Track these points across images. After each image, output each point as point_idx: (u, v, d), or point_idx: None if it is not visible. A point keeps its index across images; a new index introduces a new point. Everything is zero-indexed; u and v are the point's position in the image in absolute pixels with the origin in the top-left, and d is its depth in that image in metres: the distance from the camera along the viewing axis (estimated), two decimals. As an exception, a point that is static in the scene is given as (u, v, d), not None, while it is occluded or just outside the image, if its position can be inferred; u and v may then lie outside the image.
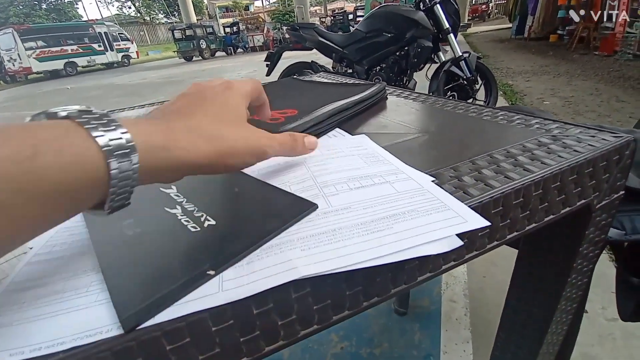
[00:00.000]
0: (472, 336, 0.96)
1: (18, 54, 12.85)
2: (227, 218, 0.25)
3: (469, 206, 0.24)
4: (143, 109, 0.76)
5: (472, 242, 0.26)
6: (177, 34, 14.35)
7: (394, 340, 0.98)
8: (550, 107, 2.93)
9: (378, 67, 2.58)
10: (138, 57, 17.10)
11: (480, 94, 2.48)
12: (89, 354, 0.16)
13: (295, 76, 0.88)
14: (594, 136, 0.34)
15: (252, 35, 15.59)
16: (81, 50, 14.30)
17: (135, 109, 0.77)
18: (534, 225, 0.30)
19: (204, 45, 14.51)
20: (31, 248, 0.26)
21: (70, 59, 13.95)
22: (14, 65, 13.07)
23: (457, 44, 2.36)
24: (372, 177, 0.28)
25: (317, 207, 0.24)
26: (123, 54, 15.85)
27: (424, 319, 1.04)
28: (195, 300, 0.18)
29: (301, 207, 0.24)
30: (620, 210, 0.36)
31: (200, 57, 14.52)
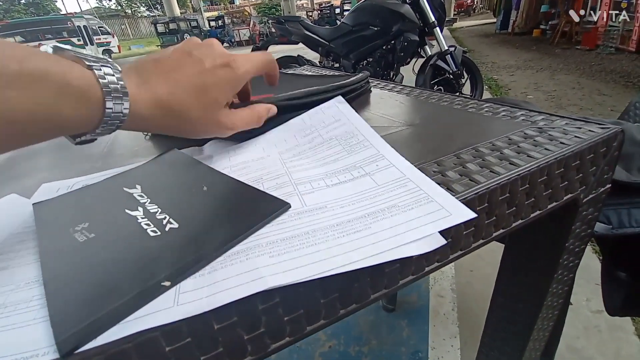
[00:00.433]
0: (459, 331, 0.97)
1: (-6, 49, 12.30)
2: (192, 220, 0.23)
3: (453, 202, 0.22)
4: None
5: (456, 241, 0.24)
6: (160, 28, 14.00)
7: (383, 337, 0.97)
8: (534, 102, 2.97)
9: (365, 62, 2.56)
10: (120, 52, 16.58)
11: (466, 89, 2.49)
12: (15, 385, 0.14)
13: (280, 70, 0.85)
14: (580, 128, 0.33)
15: (238, 29, 15.33)
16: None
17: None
18: (520, 221, 0.28)
19: (188, 40, 14.18)
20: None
21: (48, 54, 13.44)
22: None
23: (443, 37, 2.36)
24: (351, 170, 0.27)
25: (290, 207, 0.22)
26: (104, 48, 15.34)
27: (412, 315, 1.04)
28: (145, 316, 0.16)
29: (272, 207, 0.22)
30: (607, 204, 0.35)
31: (184, 52, 14.20)
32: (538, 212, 0.29)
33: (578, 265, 0.42)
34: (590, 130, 0.32)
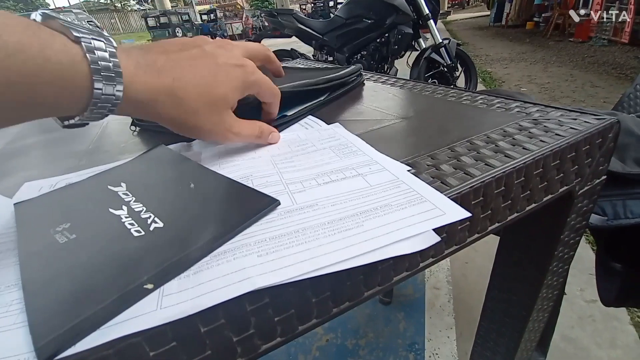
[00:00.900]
0: (455, 322, 0.97)
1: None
2: (177, 219, 0.22)
3: (447, 197, 0.22)
4: None
5: (451, 237, 0.24)
6: (151, 22, 13.75)
7: (379, 330, 0.98)
8: (528, 94, 2.98)
9: (359, 55, 2.54)
10: (110, 47, 16.29)
11: (460, 82, 2.49)
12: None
13: None
14: (575, 119, 0.33)
15: (231, 23, 15.12)
16: (48, 40, 13.49)
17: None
18: (515, 215, 0.28)
19: (179, 34, 13.98)
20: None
21: (37, 50, 13.16)
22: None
23: (437, 30, 2.34)
24: (344, 171, 0.26)
25: (279, 204, 0.22)
26: (94, 43, 15.06)
27: (408, 307, 1.05)
28: (127, 321, 0.15)
29: (261, 205, 0.21)
30: (602, 195, 0.35)
31: (176, 47, 14.00)
32: (534, 205, 0.29)
33: (573, 257, 0.42)
34: (585, 122, 0.31)
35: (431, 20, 2.33)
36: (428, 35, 2.43)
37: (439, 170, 0.26)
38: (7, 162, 0.40)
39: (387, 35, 2.41)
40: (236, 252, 0.18)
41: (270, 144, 0.32)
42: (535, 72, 3.74)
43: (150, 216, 0.22)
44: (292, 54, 2.53)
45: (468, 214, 0.20)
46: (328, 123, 0.37)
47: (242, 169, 0.28)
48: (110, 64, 0.20)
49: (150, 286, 0.16)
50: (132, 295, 0.16)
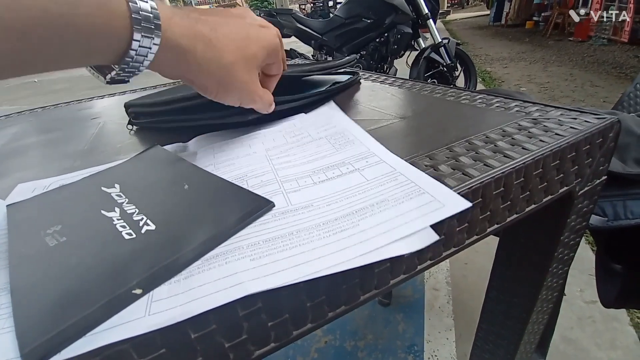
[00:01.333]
0: (454, 324, 0.97)
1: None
2: (169, 222, 0.21)
3: (445, 197, 0.21)
4: (112, 98, 0.70)
5: (449, 238, 0.23)
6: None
7: (378, 331, 0.97)
8: (527, 93, 2.97)
9: (358, 55, 2.54)
10: (110, 47, 16.30)
11: (460, 81, 2.48)
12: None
13: None
14: (575, 118, 0.32)
15: (230, 24, 15.10)
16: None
17: (105, 98, 0.71)
18: (515, 216, 0.28)
19: (180, 34, 13.95)
20: None
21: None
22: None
23: (436, 30, 2.34)
24: (340, 166, 0.25)
25: (274, 206, 0.21)
26: (94, 44, 15.07)
27: (407, 308, 1.04)
28: (114, 327, 0.15)
29: (255, 207, 0.21)
30: (601, 195, 0.34)
31: (176, 47, 13.99)
32: (533, 205, 0.29)
33: (573, 259, 0.42)
34: (586, 121, 0.31)
35: (430, 20, 2.33)
36: (427, 35, 2.43)
37: (437, 170, 0.25)
38: (2, 163, 0.39)
39: (386, 35, 2.41)
40: (228, 256, 0.18)
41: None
42: (534, 71, 3.74)
43: (142, 218, 0.22)
44: (291, 54, 2.52)
45: (469, 204, 0.20)
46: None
47: (237, 168, 0.28)
48: (151, 15, 0.20)
49: (139, 291, 0.16)
50: (121, 300, 0.16)
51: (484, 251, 1.16)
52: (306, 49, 2.73)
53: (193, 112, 0.37)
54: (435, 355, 0.88)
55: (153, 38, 0.20)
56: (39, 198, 0.28)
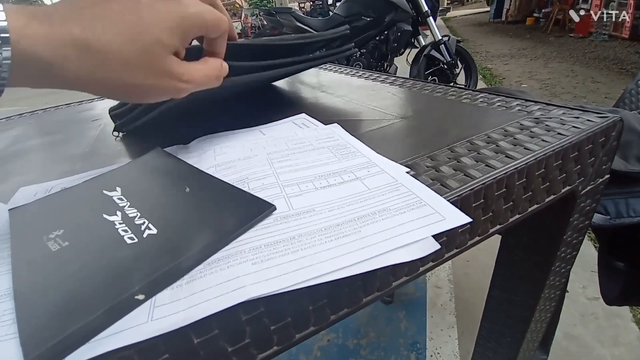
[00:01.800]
0: (457, 321, 0.97)
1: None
2: (171, 226, 0.21)
3: (447, 200, 0.21)
4: (102, 101, 0.70)
5: (451, 240, 0.23)
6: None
7: (381, 329, 0.97)
8: (528, 90, 2.96)
9: (358, 53, 2.53)
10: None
11: (461, 79, 2.47)
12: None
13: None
14: (578, 117, 0.32)
15: (230, 23, 15.06)
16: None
17: (106, 99, 0.71)
18: (517, 216, 0.27)
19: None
20: None
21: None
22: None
23: (436, 27, 2.33)
24: (341, 174, 0.25)
25: (275, 209, 0.21)
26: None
27: (409, 306, 1.04)
28: (117, 333, 0.15)
29: (256, 210, 0.21)
30: (604, 194, 0.34)
31: (176, 46, 13.98)
32: (536, 206, 0.29)
33: (576, 257, 0.42)
34: (588, 120, 0.31)
35: (430, 17, 2.32)
36: (427, 33, 2.42)
37: (438, 171, 0.25)
38: (3, 167, 0.39)
39: (386, 32, 2.40)
40: (230, 260, 0.18)
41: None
42: (535, 68, 3.72)
43: (144, 222, 0.22)
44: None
45: (469, 219, 0.20)
46: (325, 123, 0.37)
47: (238, 170, 0.28)
48: None
49: (141, 297, 0.16)
50: (123, 306, 0.16)
51: (486, 249, 1.15)
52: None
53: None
54: (438, 353, 0.89)
55: (1, 54, 0.17)
56: (41, 202, 0.28)
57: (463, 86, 2.42)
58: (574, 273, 0.99)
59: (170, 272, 0.17)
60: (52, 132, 0.52)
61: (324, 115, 0.40)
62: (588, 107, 0.34)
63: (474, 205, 0.24)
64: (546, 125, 0.31)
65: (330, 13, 2.65)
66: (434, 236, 0.19)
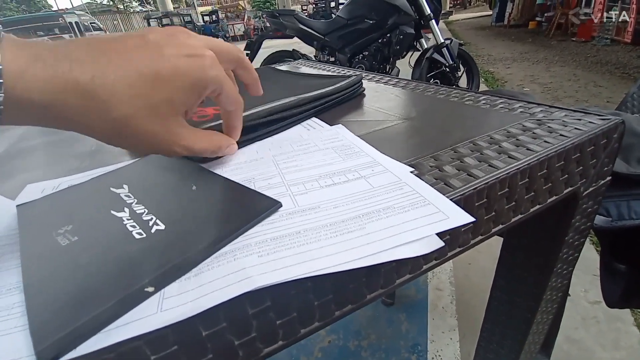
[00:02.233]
0: (458, 324, 0.97)
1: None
2: (179, 221, 0.22)
3: (450, 199, 0.22)
4: None
5: (454, 239, 0.24)
6: (153, 23, 13.80)
7: (382, 331, 0.97)
8: (530, 94, 2.97)
9: (360, 55, 2.54)
10: (113, 48, 16.40)
11: (463, 82, 2.48)
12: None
13: (275, 65, 0.83)
14: (580, 119, 0.32)
15: (232, 24, 15.16)
16: (51, 42, 13.58)
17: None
18: (520, 216, 0.28)
19: (182, 35, 14.04)
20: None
21: (40, 51, 13.22)
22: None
23: (439, 30, 2.34)
24: (346, 173, 0.26)
25: (281, 206, 0.21)
26: (96, 44, 15.16)
27: (410, 308, 1.04)
28: (127, 324, 0.15)
29: (262, 206, 0.21)
30: (606, 196, 0.34)
31: (178, 48, 14.07)
32: (538, 206, 0.29)
33: (577, 259, 0.42)
34: (590, 122, 0.31)
35: (433, 21, 2.33)
36: (430, 36, 2.43)
37: (442, 171, 0.25)
38: (10, 164, 0.40)
39: (388, 35, 2.41)
40: (237, 253, 0.18)
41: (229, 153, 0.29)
42: (538, 71, 3.73)
43: (152, 218, 0.22)
44: (293, 55, 2.53)
45: (472, 219, 0.20)
46: (330, 124, 0.37)
47: (244, 171, 0.28)
48: None
49: (151, 289, 0.16)
50: (133, 298, 0.16)
51: (487, 251, 1.16)
52: (308, 49, 2.73)
53: None
54: (439, 355, 0.88)
55: None
56: (49, 198, 0.29)
57: (466, 89, 2.42)
58: (575, 276, 0.99)
59: (178, 265, 0.17)
60: (57, 131, 0.52)
61: (329, 115, 0.41)
62: (590, 110, 0.34)
63: (477, 204, 0.24)
64: (548, 126, 0.31)
65: (333, 15, 2.66)
66: (437, 234, 0.19)
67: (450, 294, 1.08)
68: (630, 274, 0.48)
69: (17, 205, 0.28)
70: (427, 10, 2.30)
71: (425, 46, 2.42)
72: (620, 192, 0.43)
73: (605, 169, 0.33)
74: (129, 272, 0.17)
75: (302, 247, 0.18)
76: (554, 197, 0.30)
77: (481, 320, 0.54)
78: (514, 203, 0.27)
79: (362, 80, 0.56)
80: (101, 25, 15.99)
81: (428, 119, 0.38)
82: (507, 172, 0.25)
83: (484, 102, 0.40)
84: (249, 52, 2.76)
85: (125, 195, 0.26)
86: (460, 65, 2.41)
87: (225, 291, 0.16)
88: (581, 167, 0.30)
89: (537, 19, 6.96)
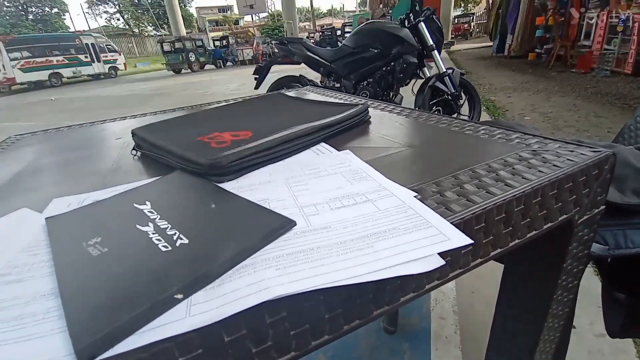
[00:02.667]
0: (462, 355, 0.95)
1: (2, 65, 12.53)
2: (201, 236, 0.24)
3: (451, 222, 0.24)
4: (134, 119, 0.74)
5: (455, 260, 0.25)
6: (166, 47, 14.35)
7: None
8: (531, 123, 3.02)
9: (365, 82, 2.63)
10: (125, 69, 16.96)
11: (465, 109, 2.54)
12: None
13: (283, 90, 0.87)
14: (572, 151, 0.34)
15: (242, 49, 15.72)
16: (67, 61, 14.07)
17: (127, 119, 0.75)
18: (517, 241, 0.29)
19: (193, 58, 14.53)
20: (-14, 270, 0.24)
21: (56, 70, 13.68)
22: (-3, 76, 12.77)
23: (441, 60, 2.42)
24: (354, 196, 0.28)
25: (295, 224, 0.23)
26: (110, 65, 15.70)
27: (413, 337, 1.02)
28: (159, 327, 0.17)
29: (278, 224, 0.23)
30: (602, 225, 0.36)
31: (189, 70, 14.52)
32: (534, 232, 0.30)
33: (578, 287, 0.43)
34: (582, 154, 0.33)
35: (435, 51, 2.42)
36: (432, 65, 2.51)
37: (443, 196, 0.27)
38: (32, 180, 0.42)
39: (392, 64, 2.50)
40: (256, 266, 0.20)
41: None
42: (538, 101, 3.80)
43: (175, 233, 0.24)
44: (300, 80, 2.62)
45: (470, 241, 0.22)
46: (338, 149, 0.40)
47: (259, 193, 0.30)
48: None
49: (180, 296, 0.18)
50: (164, 303, 0.18)
51: (491, 279, 1.15)
52: (314, 75, 2.83)
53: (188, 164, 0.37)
54: (442, 386, 0.86)
55: None
56: (77, 212, 0.31)
57: (467, 117, 2.48)
58: (581, 308, 0.98)
59: (204, 275, 0.19)
60: (78, 148, 0.55)
61: (337, 141, 0.43)
62: (584, 142, 0.36)
63: (475, 228, 0.26)
64: (543, 157, 0.33)
65: (339, 44, 2.77)
66: (439, 254, 0.21)
67: (454, 323, 1.06)
68: (629, 303, 0.49)
69: (47, 218, 0.30)
70: (430, 41, 2.39)
71: (428, 75, 2.50)
72: (616, 222, 0.45)
73: (599, 198, 0.35)
74: (158, 280, 0.19)
75: (316, 262, 0.20)
76: (550, 224, 0.31)
77: (485, 351, 0.54)
78: (511, 228, 0.28)
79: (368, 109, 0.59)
80: (116, 48, 16.61)
81: (430, 147, 0.40)
82: (503, 198, 0.27)
83: (483, 132, 0.43)
84: (257, 76, 2.87)
85: (149, 211, 0.28)
86: (462, 94, 2.48)
87: (247, 299, 0.17)
88: (574, 196, 0.32)
89: (537, 50, 7.17)
